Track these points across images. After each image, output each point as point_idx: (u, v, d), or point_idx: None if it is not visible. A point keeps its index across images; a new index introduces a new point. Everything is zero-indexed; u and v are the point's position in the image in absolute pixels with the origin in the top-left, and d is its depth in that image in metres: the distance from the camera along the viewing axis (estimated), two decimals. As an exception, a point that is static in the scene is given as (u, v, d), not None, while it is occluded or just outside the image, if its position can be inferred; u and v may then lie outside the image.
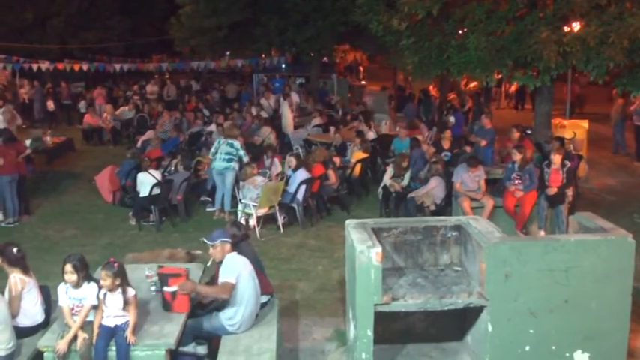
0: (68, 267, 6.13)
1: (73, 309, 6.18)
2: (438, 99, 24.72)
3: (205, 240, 6.76)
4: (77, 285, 6.16)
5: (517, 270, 6.08)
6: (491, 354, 6.24)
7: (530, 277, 6.10)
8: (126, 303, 6.07)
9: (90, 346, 5.94)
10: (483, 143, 13.89)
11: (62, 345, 5.90)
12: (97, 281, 6.24)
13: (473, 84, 26.83)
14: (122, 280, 6.08)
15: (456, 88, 26.01)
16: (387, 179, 12.66)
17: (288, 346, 7.51)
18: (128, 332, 5.97)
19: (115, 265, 6.07)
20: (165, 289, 6.45)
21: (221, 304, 6.68)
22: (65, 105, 26.94)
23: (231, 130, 13.61)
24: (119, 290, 6.06)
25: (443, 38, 12.75)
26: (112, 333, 6.01)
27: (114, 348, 5.96)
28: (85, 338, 5.96)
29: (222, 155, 12.72)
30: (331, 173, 13.08)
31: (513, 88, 29.43)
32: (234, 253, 6.74)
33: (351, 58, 44.32)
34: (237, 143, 12.90)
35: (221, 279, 6.56)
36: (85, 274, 6.24)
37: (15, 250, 6.62)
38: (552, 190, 10.66)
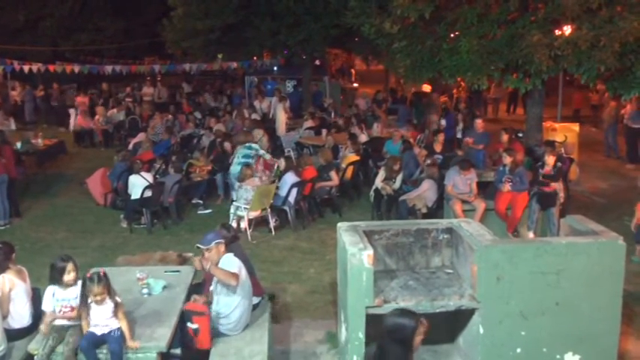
0: (71, 266, 6.10)
1: (60, 311, 6.10)
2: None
3: (200, 245, 6.61)
4: (73, 284, 6.12)
5: (509, 272, 6.10)
6: (482, 356, 6.25)
7: (521, 279, 6.11)
8: (115, 311, 6.00)
9: (74, 350, 5.91)
10: (481, 147, 13.92)
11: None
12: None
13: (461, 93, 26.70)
14: (109, 289, 5.99)
15: (448, 92, 26.00)
16: (378, 182, 12.66)
17: (280, 348, 7.51)
18: (128, 341, 5.93)
19: (102, 272, 5.98)
20: (189, 325, 6.36)
21: (216, 305, 6.66)
22: (56, 107, 26.87)
23: (247, 136, 14.02)
24: (107, 301, 5.97)
25: (435, 41, 12.76)
26: (97, 338, 5.96)
27: (104, 351, 5.94)
28: (69, 342, 5.93)
29: (239, 159, 13.10)
30: (333, 174, 13.14)
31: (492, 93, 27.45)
32: (231, 254, 6.73)
33: (341, 62, 44.31)
34: (255, 145, 13.44)
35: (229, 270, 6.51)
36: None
37: None
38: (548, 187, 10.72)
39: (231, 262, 6.58)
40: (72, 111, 23.40)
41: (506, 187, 11.10)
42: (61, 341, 5.99)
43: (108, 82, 29.38)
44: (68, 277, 6.09)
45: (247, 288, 6.74)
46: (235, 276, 6.43)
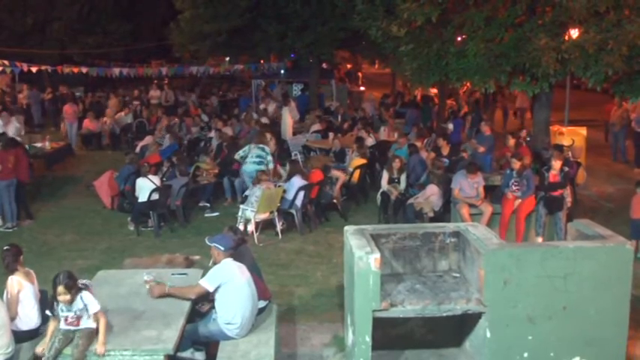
0: (61, 289, 5.94)
1: (67, 320, 6.06)
2: (437, 105, 24.73)
3: (207, 239, 6.95)
4: (71, 303, 6.03)
5: (515, 276, 6.09)
6: (489, 360, 6.25)
7: (528, 283, 6.11)
8: None
9: (84, 352, 5.90)
10: (481, 149, 13.92)
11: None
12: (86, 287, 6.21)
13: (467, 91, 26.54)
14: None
15: (454, 95, 25.95)
16: (384, 184, 12.67)
17: (287, 351, 7.51)
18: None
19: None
20: None
21: (219, 310, 6.68)
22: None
23: (262, 137, 14.37)
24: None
25: (442, 44, 12.76)
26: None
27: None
28: (78, 344, 5.93)
29: (254, 158, 13.46)
30: (340, 173, 13.24)
31: (518, 103, 25.63)
32: (230, 260, 6.77)
33: (350, 65, 44.35)
34: (268, 148, 13.74)
35: (201, 281, 6.70)
36: (76, 289, 6.06)
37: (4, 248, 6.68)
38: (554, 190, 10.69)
39: (216, 273, 6.69)
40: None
41: (511, 196, 11.10)
42: (67, 344, 5.99)
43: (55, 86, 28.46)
44: (60, 297, 5.99)
45: (250, 292, 6.74)
46: (194, 291, 6.70)
